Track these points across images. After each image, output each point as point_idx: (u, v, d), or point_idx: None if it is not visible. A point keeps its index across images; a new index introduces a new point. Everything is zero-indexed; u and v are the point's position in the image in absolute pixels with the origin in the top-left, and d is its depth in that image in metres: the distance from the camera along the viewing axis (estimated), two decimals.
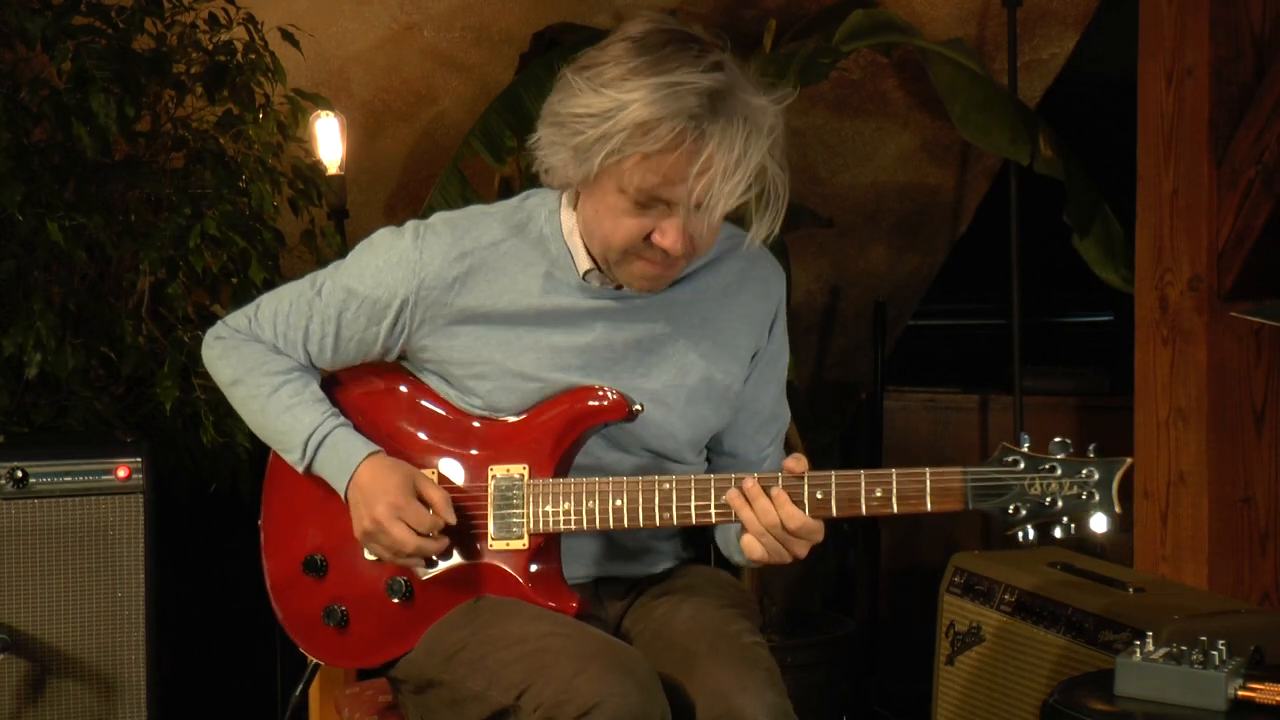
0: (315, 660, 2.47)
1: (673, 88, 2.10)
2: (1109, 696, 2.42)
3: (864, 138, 4.52)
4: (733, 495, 2.19)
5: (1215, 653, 2.38)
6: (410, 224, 2.36)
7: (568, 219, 2.33)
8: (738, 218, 2.28)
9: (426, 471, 2.34)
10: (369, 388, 2.44)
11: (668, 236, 2.19)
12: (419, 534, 2.27)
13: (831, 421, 4.99)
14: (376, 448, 2.35)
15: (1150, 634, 2.53)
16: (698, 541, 2.53)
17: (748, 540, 2.19)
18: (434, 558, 2.32)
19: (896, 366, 4.91)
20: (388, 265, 2.32)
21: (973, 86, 3.89)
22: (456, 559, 2.33)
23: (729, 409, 2.39)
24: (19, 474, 3.03)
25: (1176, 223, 3.53)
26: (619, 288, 2.32)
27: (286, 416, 2.38)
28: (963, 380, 4.68)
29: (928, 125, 4.51)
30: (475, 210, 2.39)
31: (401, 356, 2.43)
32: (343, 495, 2.34)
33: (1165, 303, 3.55)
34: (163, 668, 3.16)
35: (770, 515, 2.16)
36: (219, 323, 2.49)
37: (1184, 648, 2.42)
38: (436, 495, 2.29)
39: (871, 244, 4.79)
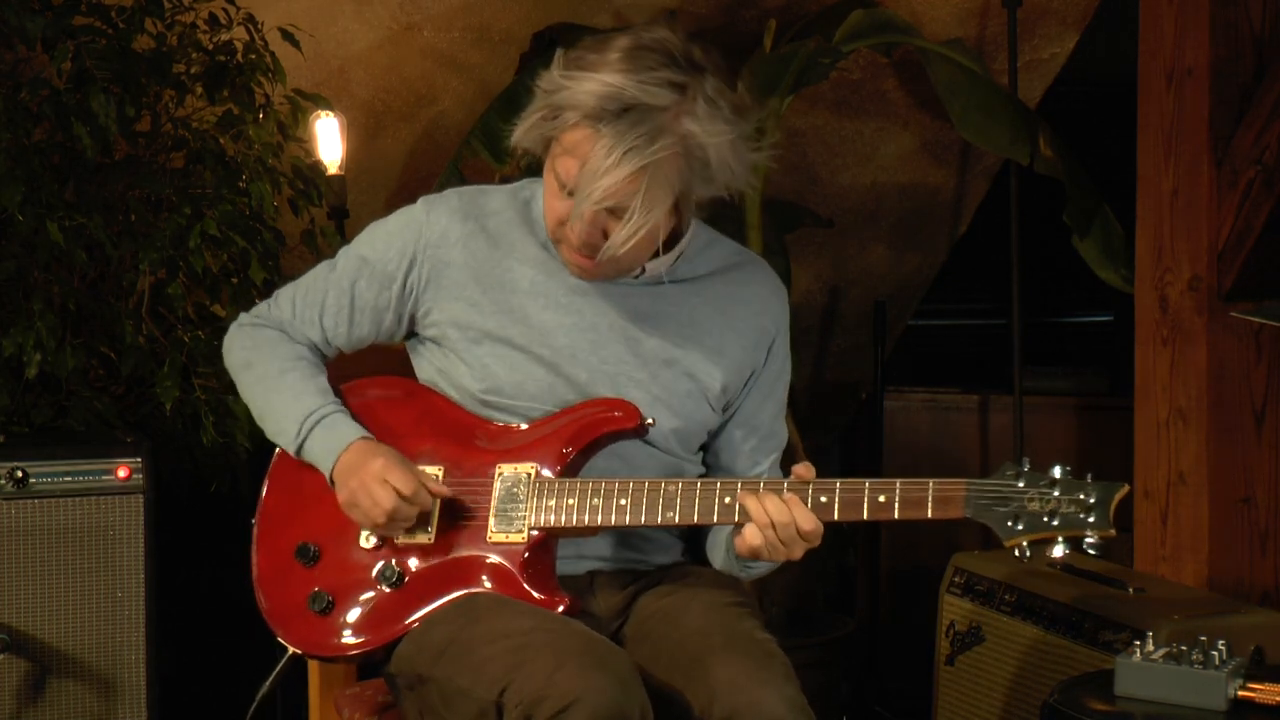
0: (293, 649, 2.44)
1: (607, 88, 2.18)
2: (1109, 696, 2.42)
3: (864, 138, 4.52)
4: (743, 493, 2.22)
5: (1215, 653, 2.38)
6: (424, 196, 2.46)
7: None
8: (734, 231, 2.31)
9: (434, 469, 2.37)
10: (381, 393, 2.48)
11: (572, 221, 2.26)
12: (401, 497, 2.29)
13: (831, 421, 4.99)
14: (368, 433, 2.38)
15: (1150, 634, 2.53)
16: (695, 544, 2.53)
17: (750, 530, 2.21)
18: (426, 534, 2.34)
19: (896, 366, 4.91)
20: (397, 229, 2.44)
21: (973, 86, 3.89)
22: (450, 550, 2.34)
23: (709, 409, 2.41)
24: (19, 474, 3.03)
25: (1176, 223, 3.53)
26: None
27: (289, 396, 2.42)
28: (963, 380, 4.67)
29: (928, 125, 4.51)
30: (487, 186, 2.50)
31: (411, 334, 2.48)
32: (328, 475, 2.37)
33: (1165, 303, 3.55)
34: (163, 668, 3.16)
35: (782, 513, 2.19)
36: (241, 315, 2.56)
37: (1184, 648, 2.43)
38: (423, 470, 2.35)
39: (871, 244, 4.78)
